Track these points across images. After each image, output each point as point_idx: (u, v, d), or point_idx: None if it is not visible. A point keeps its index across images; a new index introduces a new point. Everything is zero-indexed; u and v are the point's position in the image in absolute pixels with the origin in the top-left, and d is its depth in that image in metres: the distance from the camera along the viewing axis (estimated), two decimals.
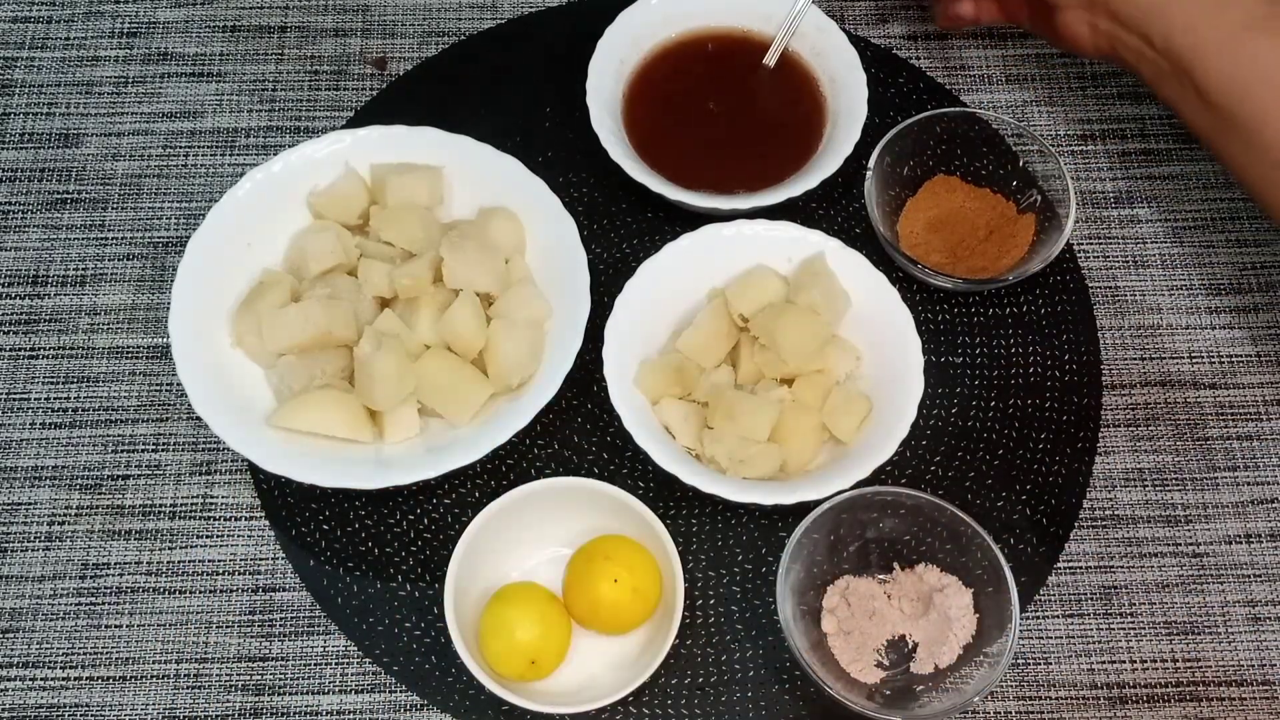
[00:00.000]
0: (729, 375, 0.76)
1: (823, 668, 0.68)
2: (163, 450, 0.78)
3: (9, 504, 0.76)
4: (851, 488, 0.70)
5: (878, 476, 0.70)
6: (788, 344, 0.72)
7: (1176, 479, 0.77)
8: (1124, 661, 0.73)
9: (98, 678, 0.72)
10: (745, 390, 0.75)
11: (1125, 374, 0.80)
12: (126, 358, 0.80)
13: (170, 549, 0.75)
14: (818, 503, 0.69)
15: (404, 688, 0.72)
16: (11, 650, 0.73)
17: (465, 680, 0.71)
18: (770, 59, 0.84)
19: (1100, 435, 0.78)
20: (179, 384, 0.72)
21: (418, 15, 0.91)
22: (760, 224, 0.77)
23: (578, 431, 0.78)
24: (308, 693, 0.72)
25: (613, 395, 0.72)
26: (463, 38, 0.90)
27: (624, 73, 0.84)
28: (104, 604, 0.74)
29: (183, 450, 0.77)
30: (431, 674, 0.72)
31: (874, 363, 0.76)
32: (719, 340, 0.75)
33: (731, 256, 0.77)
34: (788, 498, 0.69)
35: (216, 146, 0.86)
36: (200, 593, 0.74)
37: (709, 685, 0.72)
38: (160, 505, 0.76)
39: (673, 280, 0.77)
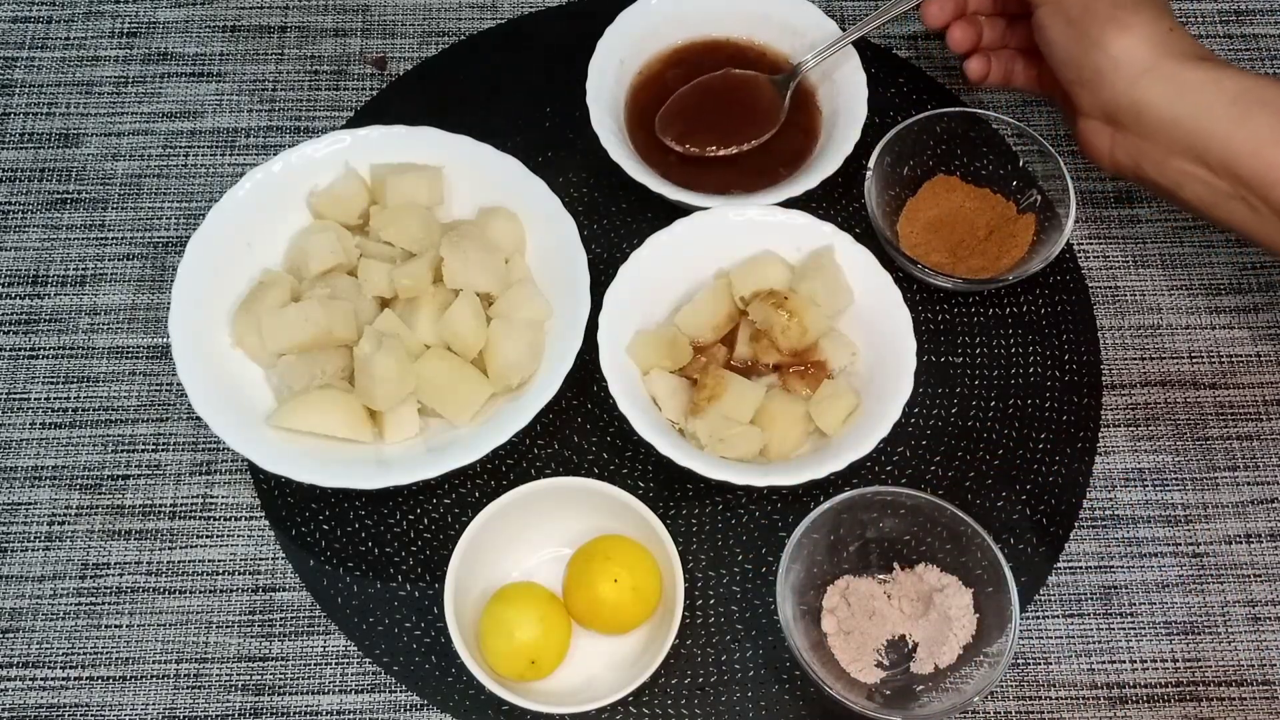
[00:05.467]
0: (723, 355, 0.76)
1: (823, 668, 0.68)
2: (163, 450, 0.78)
3: (9, 504, 0.76)
4: (850, 488, 0.70)
5: (878, 476, 0.70)
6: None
7: (1176, 479, 0.77)
8: (1124, 661, 0.73)
9: (98, 678, 0.72)
10: (736, 373, 0.75)
11: (1125, 374, 0.80)
12: (126, 358, 0.80)
13: (170, 549, 0.75)
14: (814, 502, 0.69)
15: (404, 688, 0.72)
16: (11, 650, 0.73)
17: (465, 680, 0.71)
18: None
19: (1100, 435, 0.78)
20: (179, 384, 0.72)
21: (418, 15, 0.91)
22: (775, 210, 0.77)
23: (578, 431, 0.78)
24: (308, 693, 0.72)
25: (603, 360, 0.72)
26: (463, 38, 0.90)
27: (624, 73, 0.84)
28: (104, 604, 0.74)
29: (183, 450, 0.77)
30: (431, 674, 0.72)
31: (869, 361, 0.75)
32: (718, 320, 0.76)
33: (741, 241, 0.77)
34: (759, 480, 0.69)
35: (216, 146, 0.86)
36: (200, 593, 0.74)
37: (709, 685, 0.72)
38: (160, 505, 0.76)
39: (681, 258, 0.77)
